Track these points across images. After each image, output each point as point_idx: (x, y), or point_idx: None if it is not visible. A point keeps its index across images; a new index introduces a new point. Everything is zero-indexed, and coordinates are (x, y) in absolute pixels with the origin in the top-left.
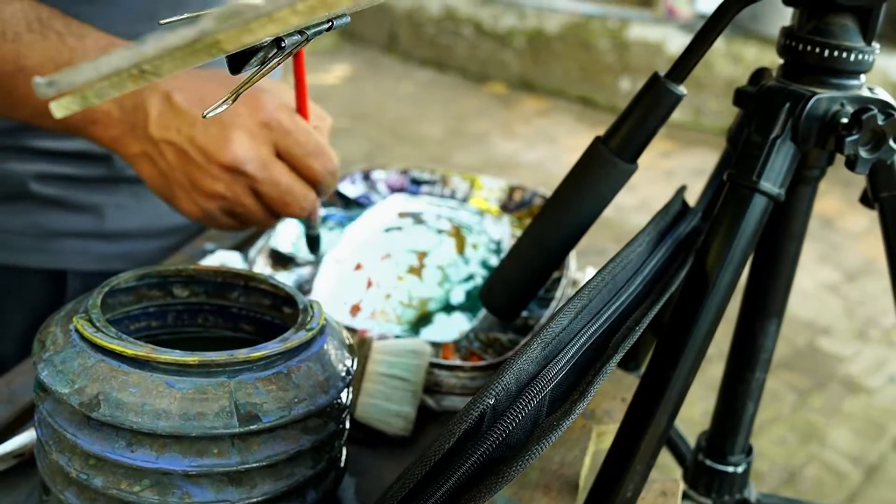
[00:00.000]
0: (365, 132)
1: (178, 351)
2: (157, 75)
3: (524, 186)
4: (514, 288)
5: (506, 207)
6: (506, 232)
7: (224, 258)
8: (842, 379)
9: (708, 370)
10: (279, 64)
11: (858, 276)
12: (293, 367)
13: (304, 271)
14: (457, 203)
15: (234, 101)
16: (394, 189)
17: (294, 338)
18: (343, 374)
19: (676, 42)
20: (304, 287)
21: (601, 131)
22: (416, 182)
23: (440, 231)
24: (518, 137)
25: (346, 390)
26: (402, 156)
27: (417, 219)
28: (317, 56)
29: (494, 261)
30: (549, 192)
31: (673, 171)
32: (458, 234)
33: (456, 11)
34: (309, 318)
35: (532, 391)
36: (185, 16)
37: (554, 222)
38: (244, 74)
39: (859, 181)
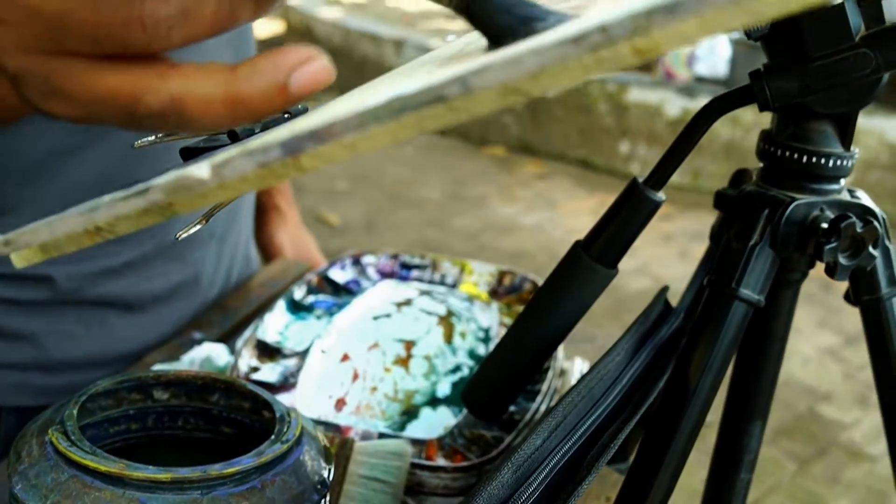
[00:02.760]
0: (364, 195)
1: (151, 467)
2: (114, 233)
3: (514, 272)
4: (497, 390)
5: (495, 293)
6: (495, 319)
7: (210, 351)
8: (843, 446)
9: (708, 437)
10: None
11: (858, 340)
12: (267, 482)
13: (291, 363)
14: (446, 289)
15: (206, 222)
16: (384, 274)
17: (269, 451)
18: (319, 485)
19: (675, 105)
20: (290, 380)
21: (600, 195)
22: (407, 267)
23: (429, 318)
24: (518, 201)
25: (322, 501)
26: (402, 220)
27: (406, 306)
28: None
29: (482, 350)
30: (538, 278)
31: (672, 234)
32: (447, 322)
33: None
34: (286, 429)
35: None
36: (138, 187)
37: (536, 326)
38: None
39: None
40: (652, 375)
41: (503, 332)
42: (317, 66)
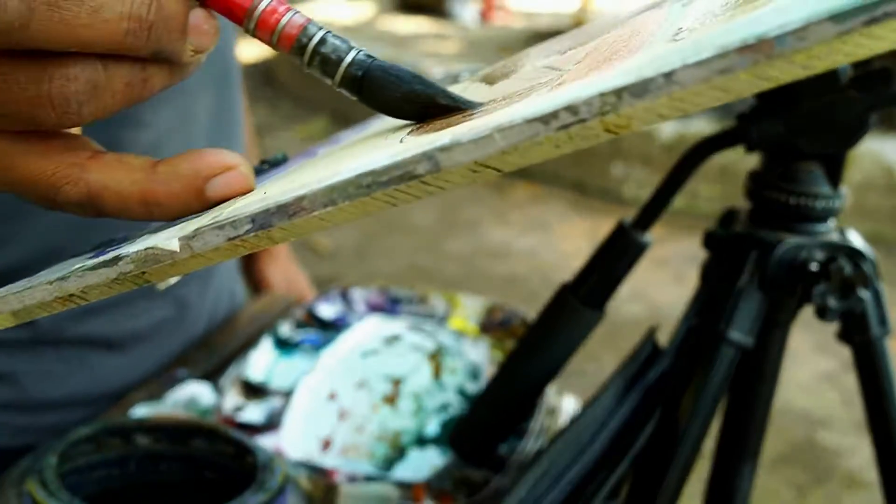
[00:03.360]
0: (356, 222)
1: None
2: (87, 300)
3: (503, 306)
4: (485, 434)
5: (485, 327)
6: (484, 355)
7: (193, 391)
8: (842, 474)
9: (703, 467)
10: None
11: None
12: None
13: (276, 402)
14: (435, 323)
15: None
16: (372, 307)
17: (252, 500)
18: None
19: (669, 128)
20: (275, 420)
21: (594, 218)
22: (395, 300)
23: (417, 354)
24: (511, 225)
25: None
26: (394, 244)
27: (394, 341)
28: (307, 143)
29: (471, 387)
30: (528, 313)
31: (667, 258)
32: (436, 358)
33: (454, 75)
34: (269, 477)
35: None
36: (108, 255)
37: (524, 369)
38: None
39: None
40: (640, 420)
41: (492, 368)
42: (235, 176)
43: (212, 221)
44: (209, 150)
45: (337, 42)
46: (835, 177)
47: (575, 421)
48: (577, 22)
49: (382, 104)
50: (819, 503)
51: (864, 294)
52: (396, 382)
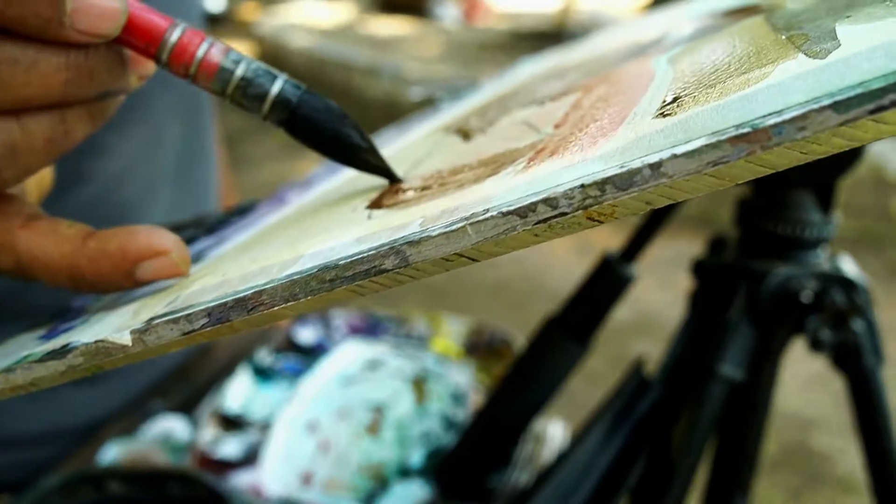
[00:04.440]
0: None
1: None
2: (38, 388)
3: (486, 328)
4: (471, 469)
5: (469, 348)
6: (468, 379)
7: (168, 426)
8: (835, 476)
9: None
10: None
11: None
12: None
13: (255, 434)
14: (418, 345)
15: None
16: (353, 330)
17: None
18: None
19: None
20: (254, 454)
21: None
22: (376, 323)
23: (400, 380)
24: None
25: None
26: None
27: (376, 366)
28: (286, 148)
29: (455, 413)
30: (510, 335)
31: (654, 262)
32: (419, 383)
33: (438, 93)
34: None
35: None
36: (58, 341)
37: (509, 404)
38: None
39: None
40: (630, 458)
41: (477, 391)
42: (164, 263)
43: (165, 311)
44: (143, 229)
45: (261, 72)
46: (826, 204)
47: (563, 459)
48: (560, 23)
49: (310, 140)
50: None
51: (858, 325)
52: (378, 410)
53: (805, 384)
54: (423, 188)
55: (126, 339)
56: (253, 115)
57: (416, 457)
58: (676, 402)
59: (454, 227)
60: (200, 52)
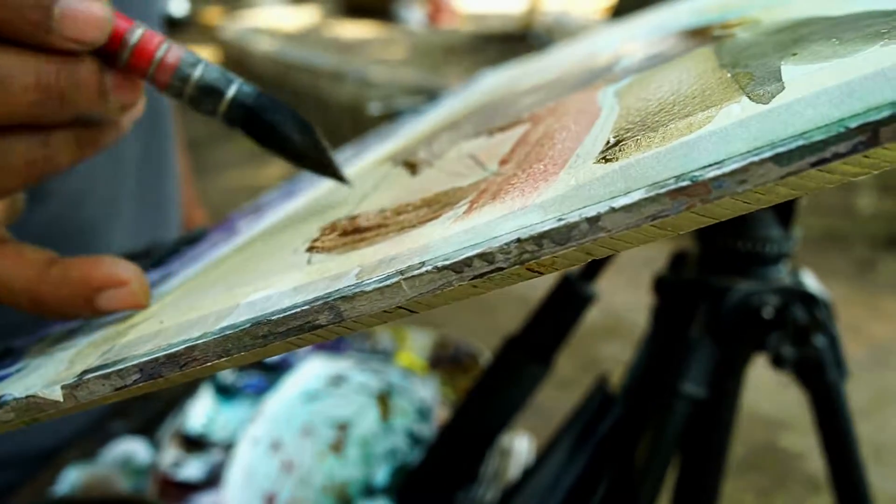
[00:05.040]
0: None
1: None
2: None
3: (451, 341)
4: (435, 488)
5: (434, 362)
6: (434, 393)
7: (129, 448)
8: (803, 476)
9: None
10: None
11: None
12: None
13: (217, 456)
14: (383, 360)
15: None
16: (317, 344)
17: None
18: None
19: None
20: (216, 476)
21: None
22: (340, 337)
23: (365, 396)
24: None
25: None
26: None
27: (340, 382)
28: (251, 154)
29: (421, 429)
30: (475, 348)
31: (622, 262)
32: (384, 398)
33: (398, 107)
34: None
35: None
36: None
37: (472, 423)
38: None
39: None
40: (594, 476)
41: (443, 406)
42: (125, 293)
43: (98, 364)
44: (106, 259)
45: (217, 74)
46: (787, 219)
47: (528, 477)
48: (525, 25)
49: (263, 140)
50: None
51: (820, 341)
52: (343, 427)
53: (773, 385)
54: (365, 229)
55: (57, 394)
56: (209, 117)
57: (382, 474)
58: (639, 419)
59: (389, 283)
60: (159, 53)
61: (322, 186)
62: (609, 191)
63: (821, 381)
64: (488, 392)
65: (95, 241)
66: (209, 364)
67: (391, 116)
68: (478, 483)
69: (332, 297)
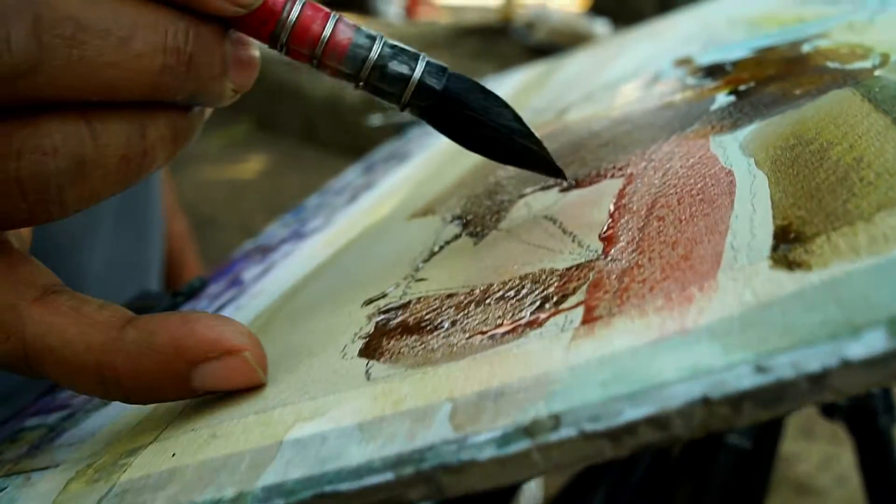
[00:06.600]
0: None
1: None
2: None
3: None
4: None
5: None
6: None
7: None
8: (790, 480)
9: None
10: None
11: None
12: None
13: None
14: None
15: None
16: None
17: None
18: None
19: None
20: None
21: None
22: None
23: None
24: None
25: None
26: None
27: None
28: (228, 148)
29: None
30: None
31: None
32: None
33: (375, 99)
34: None
35: None
36: None
37: None
38: None
39: None
40: None
41: None
42: (236, 367)
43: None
44: (202, 317)
45: (399, 50)
46: None
47: None
48: (504, 17)
49: (458, 133)
50: None
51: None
52: None
53: None
54: (435, 326)
55: None
56: (389, 104)
57: None
58: (682, 475)
59: (512, 451)
60: (327, 31)
61: (337, 223)
62: (819, 320)
63: (871, 428)
64: None
65: (74, 259)
66: None
67: (394, 130)
68: None
69: (429, 464)
